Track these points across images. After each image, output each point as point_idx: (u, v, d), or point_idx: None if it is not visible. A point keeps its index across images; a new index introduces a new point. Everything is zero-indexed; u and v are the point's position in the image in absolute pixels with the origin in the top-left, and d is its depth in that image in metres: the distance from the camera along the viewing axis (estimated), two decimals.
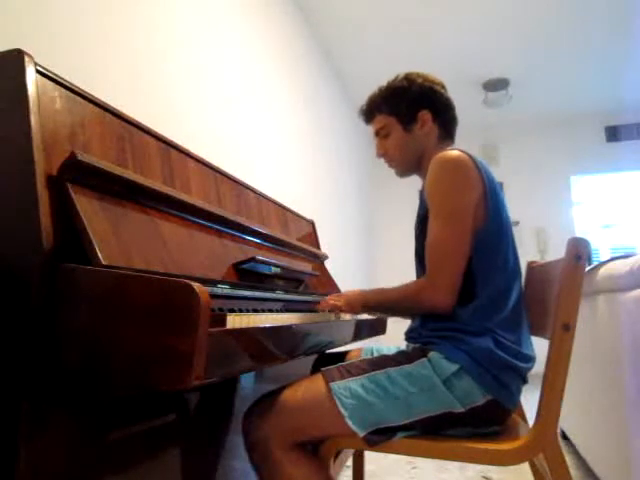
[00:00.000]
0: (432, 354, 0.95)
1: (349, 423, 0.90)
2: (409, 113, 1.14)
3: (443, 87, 1.16)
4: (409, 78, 1.15)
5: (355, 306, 1.12)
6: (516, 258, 1.05)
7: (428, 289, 0.97)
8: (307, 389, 0.97)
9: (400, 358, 0.98)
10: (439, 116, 1.14)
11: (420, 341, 1.03)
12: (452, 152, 1.01)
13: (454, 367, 0.91)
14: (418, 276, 1.14)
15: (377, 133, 1.20)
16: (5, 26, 1.04)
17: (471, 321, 0.96)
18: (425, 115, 1.13)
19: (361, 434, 0.90)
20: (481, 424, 0.94)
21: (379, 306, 1.13)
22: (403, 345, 1.16)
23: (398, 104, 1.15)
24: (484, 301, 0.97)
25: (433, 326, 1.02)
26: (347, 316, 1.34)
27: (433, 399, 0.91)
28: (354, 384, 0.93)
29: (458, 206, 0.97)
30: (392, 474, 1.93)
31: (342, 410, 0.91)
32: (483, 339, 0.93)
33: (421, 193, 1.09)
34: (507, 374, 0.92)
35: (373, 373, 0.95)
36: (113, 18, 1.38)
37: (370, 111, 1.20)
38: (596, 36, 3.32)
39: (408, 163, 1.18)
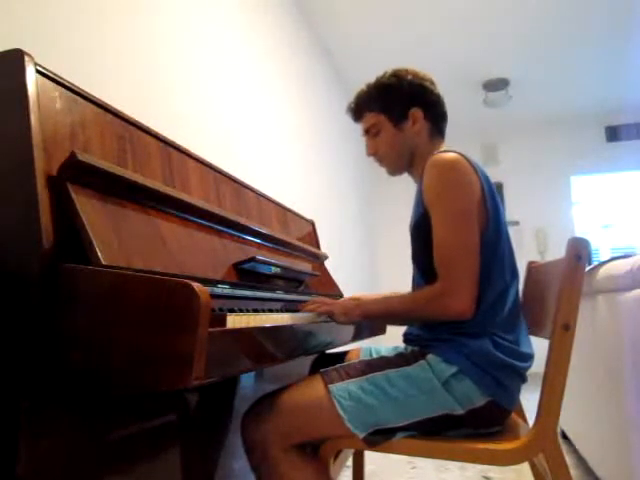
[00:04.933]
0: (430, 356, 0.95)
1: (348, 425, 0.90)
2: (400, 111, 1.11)
3: (432, 83, 1.14)
4: (398, 75, 1.13)
5: (352, 316, 1.05)
6: (512, 258, 1.04)
7: (446, 296, 0.92)
8: (306, 391, 0.97)
9: (399, 360, 0.98)
10: (430, 113, 1.12)
11: (418, 343, 1.03)
12: (449, 154, 0.99)
13: (453, 369, 0.91)
14: (414, 279, 1.12)
15: (367, 131, 1.17)
16: (5, 26, 1.04)
17: (470, 324, 0.95)
18: (416, 113, 1.11)
19: (361, 435, 0.90)
20: (481, 425, 0.94)
21: (383, 316, 1.08)
22: (402, 345, 1.16)
23: (388, 102, 1.12)
24: (485, 306, 0.96)
25: (433, 329, 1.02)
26: None
27: (432, 401, 0.91)
28: (353, 386, 0.93)
29: (464, 207, 0.95)
30: (392, 474, 1.93)
31: (341, 412, 0.91)
32: (481, 341, 0.93)
33: (417, 195, 1.07)
34: (506, 374, 0.92)
35: (372, 375, 0.94)
36: (113, 18, 1.38)
37: (359, 109, 1.18)
38: (596, 36, 3.32)
39: (400, 161, 1.15)
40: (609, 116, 4.53)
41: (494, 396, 0.91)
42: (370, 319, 1.09)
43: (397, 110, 1.12)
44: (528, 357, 0.98)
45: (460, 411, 0.90)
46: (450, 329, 0.96)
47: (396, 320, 1.10)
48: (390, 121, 1.12)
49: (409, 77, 1.12)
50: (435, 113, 1.13)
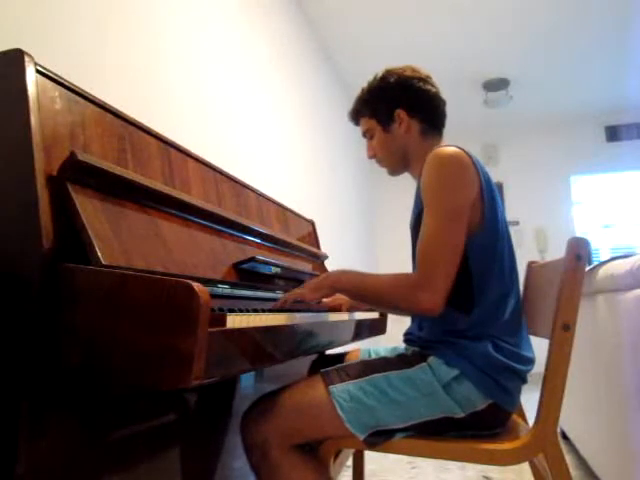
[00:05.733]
0: (432, 359, 0.94)
1: (348, 426, 0.90)
2: (386, 114, 1.12)
3: (422, 79, 1.11)
4: (384, 77, 1.14)
5: (321, 288, 1.02)
6: (513, 261, 1.03)
7: (419, 289, 0.89)
8: (306, 391, 0.96)
9: (400, 362, 0.97)
10: (417, 112, 1.11)
11: (419, 345, 1.03)
12: (449, 148, 0.98)
13: (454, 372, 0.91)
14: None
15: (364, 135, 1.20)
16: (5, 26, 1.04)
17: (471, 327, 0.95)
18: (401, 114, 1.10)
19: (361, 437, 0.90)
20: (482, 427, 0.93)
21: (353, 289, 1.03)
22: (401, 345, 1.16)
23: (375, 106, 1.14)
24: (484, 309, 0.95)
25: (431, 330, 1.01)
26: (346, 316, 1.34)
27: (433, 404, 0.91)
28: (353, 387, 0.93)
29: (455, 204, 0.93)
30: (392, 474, 1.93)
31: (341, 413, 0.91)
32: (482, 344, 0.93)
33: (416, 193, 1.06)
34: (507, 377, 0.92)
35: (372, 376, 0.94)
36: (113, 18, 1.38)
37: (355, 115, 1.21)
38: (596, 36, 3.32)
39: (395, 162, 1.16)
40: (609, 116, 4.53)
41: (495, 398, 0.91)
42: (340, 290, 1.06)
43: (384, 114, 1.13)
44: (529, 361, 0.97)
45: (461, 414, 0.90)
46: (451, 332, 0.96)
47: (366, 298, 1.05)
48: (379, 124, 1.14)
49: (392, 79, 1.12)
50: (422, 110, 1.11)
